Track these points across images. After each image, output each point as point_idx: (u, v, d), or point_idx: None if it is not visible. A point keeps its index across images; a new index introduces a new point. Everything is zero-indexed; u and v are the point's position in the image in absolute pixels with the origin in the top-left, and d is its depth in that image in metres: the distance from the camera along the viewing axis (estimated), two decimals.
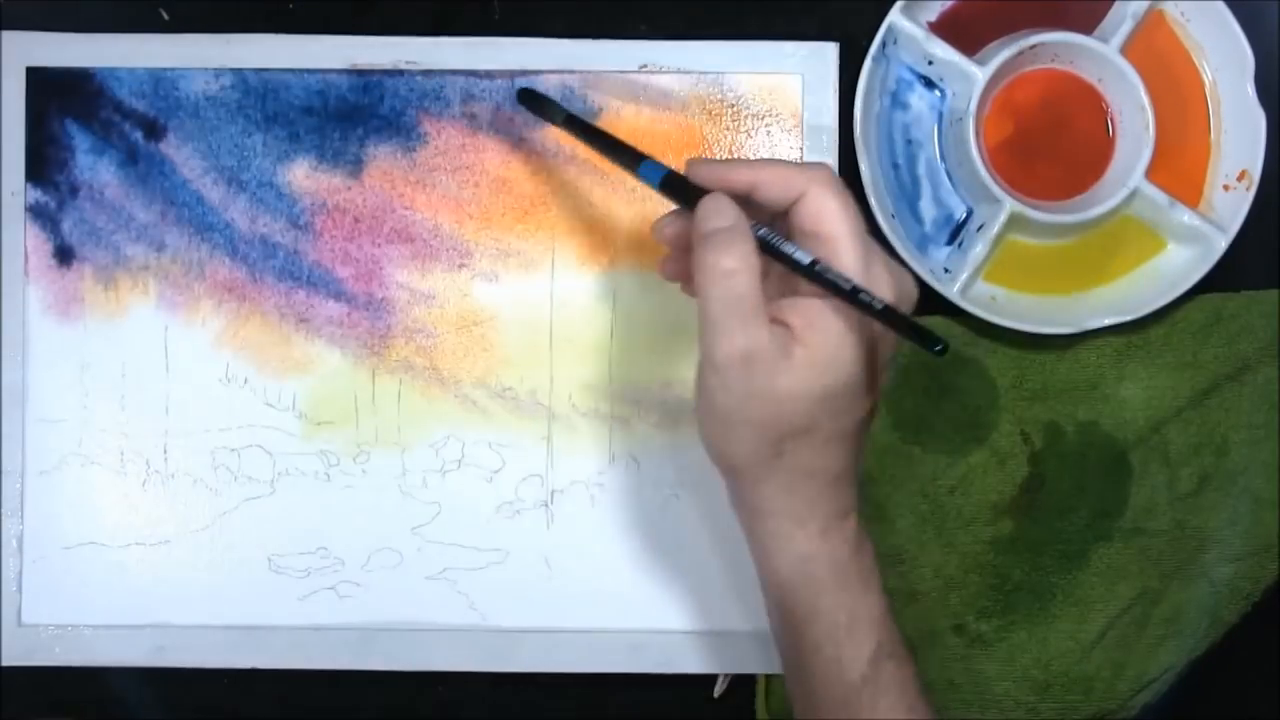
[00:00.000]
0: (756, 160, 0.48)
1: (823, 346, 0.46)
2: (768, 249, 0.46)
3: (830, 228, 0.46)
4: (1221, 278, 0.58)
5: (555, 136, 0.59)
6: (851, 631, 0.49)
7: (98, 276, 0.59)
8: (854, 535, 0.49)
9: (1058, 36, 0.56)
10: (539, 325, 0.59)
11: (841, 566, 0.49)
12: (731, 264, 0.45)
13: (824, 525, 0.49)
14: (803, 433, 0.47)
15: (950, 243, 0.59)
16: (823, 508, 0.49)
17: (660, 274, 0.51)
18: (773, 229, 0.47)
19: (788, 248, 0.46)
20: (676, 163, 0.49)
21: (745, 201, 0.47)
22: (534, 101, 0.57)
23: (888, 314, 0.44)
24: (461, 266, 0.59)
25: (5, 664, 0.59)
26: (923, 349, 0.43)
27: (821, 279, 0.45)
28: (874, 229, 0.57)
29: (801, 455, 0.48)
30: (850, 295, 0.44)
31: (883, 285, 0.45)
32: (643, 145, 0.58)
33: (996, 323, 0.57)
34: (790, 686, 0.51)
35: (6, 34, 0.59)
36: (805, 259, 0.45)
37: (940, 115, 0.59)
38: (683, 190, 0.48)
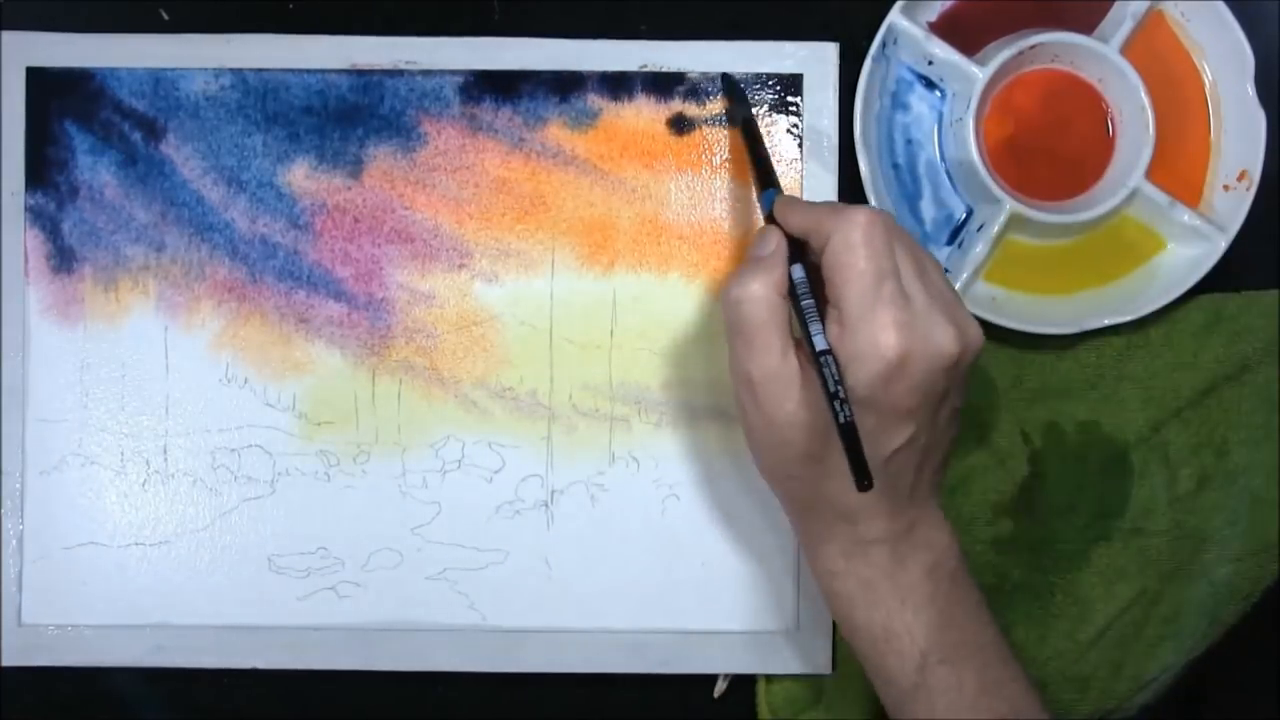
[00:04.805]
0: (815, 205, 0.49)
1: None
2: (792, 298, 0.48)
3: (834, 279, 0.46)
4: (1221, 278, 0.58)
5: (555, 137, 0.59)
6: (890, 643, 0.50)
7: (97, 277, 0.59)
8: (885, 559, 0.50)
9: (1058, 36, 0.56)
10: (539, 325, 0.59)
11: (871, 584, 0.50)
12: (751, 291, 0.47)
13: (845, 549, 0.50)
14: (810, 460, 0.48)
15: (950, 243, 0.59)
16: (840, 534, 0.50)
17: None
18: (812, 281, 0.48)
19: (813, 326, 0.47)
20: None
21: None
22: (731, 91, 0.58)
23: (843, 430, 0.45)
24: (461, 266, 0.59)
25: (5, 664, 0.59)
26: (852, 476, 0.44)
27: (812, 358, 0.46)
28: None
29: (811, 483, 0.49)
30: (827, 394, 0.45)
31: (886, 340, 0.46)
32: (642, 146, 0.59)
33: (996, 323, 0.57)
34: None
35: (6, 34, 0.59)
36: (818, 345, 0.46)
37: (940, 115, 0.59)
38: (770, 221, 0.51)
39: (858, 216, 0.46)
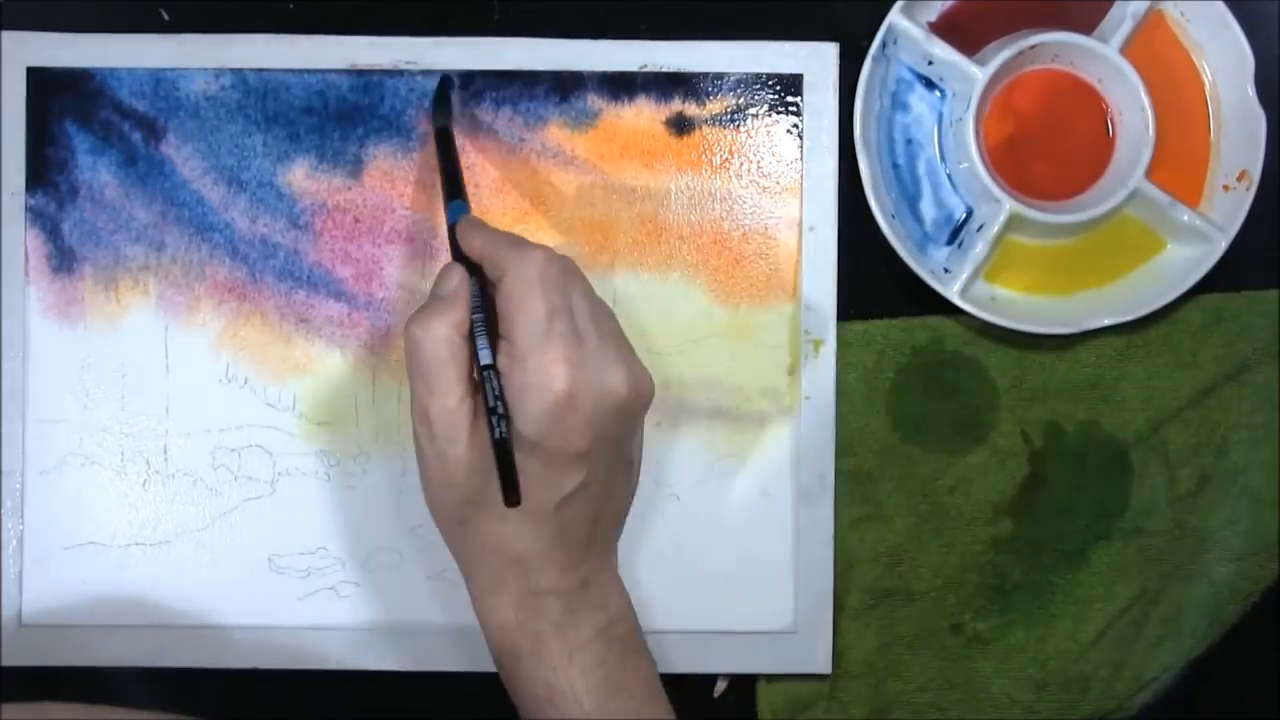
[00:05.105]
0: (496, 235, 0.50)
1: None
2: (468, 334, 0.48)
3: (508, 313, 0.47)
4: (1221, 278, 0.58)
5: (555, 137, 0.59)
6: (555, 701, 0.49)
7: (98, 277, 0.59)
8: (558, 613, 0.49)
9: (1058, 36, 0.56)
10: None
11: (540, 637, 0.49)
12: (432, 330, 0.47)
13: (516, 599, 0.50)
14: (476, 505, 0.48)
15: (950, 243, 0.59)
16: (512, 584, 0.49)
17: None
18: (486, 318, 0.48)
19: (479, 341, 0.48)
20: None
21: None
22: (441, 96, 0.58)
23: (496, 444, 0.46)
24: None
25: (5, 664, 0.58)
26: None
27: (479, 383, 0.47)
28: (874, 229, 0.57)
29: (481, 527, 0.49)
30: (486, 409, 0.46)
31: (555, 374, 0.46)
32: (642, 146, 0.58)
33: (996, 323, 0.57)
34: None
35: (6, 34, 0.59)
36: (483, 359, 0.47)
37: (940, 115, 0.59)
38: (452, 241, 0.51)
39: (535, 254, 0.48)
